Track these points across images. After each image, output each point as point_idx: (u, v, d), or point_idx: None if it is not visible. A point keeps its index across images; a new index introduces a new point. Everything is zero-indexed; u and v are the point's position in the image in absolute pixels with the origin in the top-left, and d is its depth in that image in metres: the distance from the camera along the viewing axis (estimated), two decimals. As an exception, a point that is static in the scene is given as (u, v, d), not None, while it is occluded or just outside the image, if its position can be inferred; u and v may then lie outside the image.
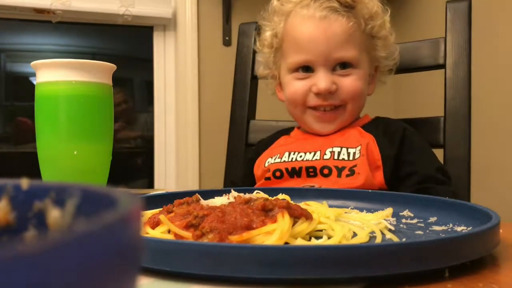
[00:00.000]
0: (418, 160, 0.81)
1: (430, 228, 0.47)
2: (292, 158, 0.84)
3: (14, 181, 0.20)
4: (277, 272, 0.31)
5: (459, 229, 0.45)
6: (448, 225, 0.47)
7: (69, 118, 0.57)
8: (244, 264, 0.31)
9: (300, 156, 0.84)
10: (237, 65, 1.14)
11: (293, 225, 0.42)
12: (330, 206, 0.54)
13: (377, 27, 0.88)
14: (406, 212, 0.53)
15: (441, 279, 0.33)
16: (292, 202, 0.46)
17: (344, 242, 0.40)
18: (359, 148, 0.80)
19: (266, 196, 0.50)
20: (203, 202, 0.47)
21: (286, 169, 0.83)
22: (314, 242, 0.41)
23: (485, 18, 1.74)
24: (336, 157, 0.81)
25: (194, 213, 0.41)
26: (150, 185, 2.36)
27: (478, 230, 0.37)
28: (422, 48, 0.98)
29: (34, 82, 0.60)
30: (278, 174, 0.84)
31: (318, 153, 0.83)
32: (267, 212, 0.41)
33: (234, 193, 0.49)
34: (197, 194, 0.50)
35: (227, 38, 2.27)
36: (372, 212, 0.52)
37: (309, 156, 0.83)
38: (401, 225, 0.49)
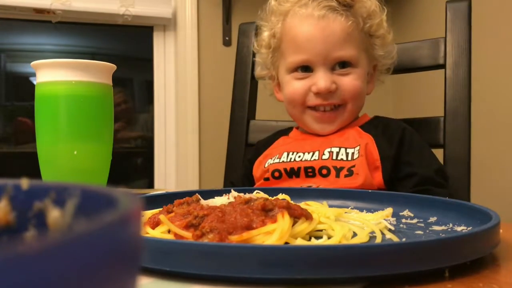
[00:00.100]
0: (416, 161, 0.81)
1: (430, 228, 0.47)
2: (291, 159, 0.84)
3: (14, 181, 0.20)
4: (277, 272, 0.31)
5: (459, 229, 0.45)
6: (448, 225, 0.47)
7: (69, 118, 0.57)
8: (244, 264, 0.31)
9: (299, 156, 0.84)
10: (237, 65, 1.14)
11: (293, 225, 0.42)
12: (330, 206, 0.54)
13: (375, 26, 0.88)
14: (406, 212, 0.53)
15: (441, 279, 0.33)
16: (292, 202, 0.46)
17: (344, 242, 0.40)
18: (357, 148, 0.80)
19: (266, 196, 0.50)
20: (203, 202, 0.47)
21: (285, 170, 0.83)
22: (314, 242, 0.41)
23: (485, 18, 1.74)
24: (334, 157, 0.80)
25: (194, 213, 0.41)
26: (150, 185, 2.36)
27: (478, 230, 0.37)
28: (422, 48, 0.98)
29: (34, 82, 0.60)
30: (277, 174, 0.84)
31: (316, 153, 0.83)
32: (267, 212, 0.41)
33: (234, 193, 0.49)
34: (197, 194, 0.50)
35: (227, 38, 2.27)
36: (372, 212, 0.52)
37: (307, 156, 0.83)
38: (401, 225, 0.49)
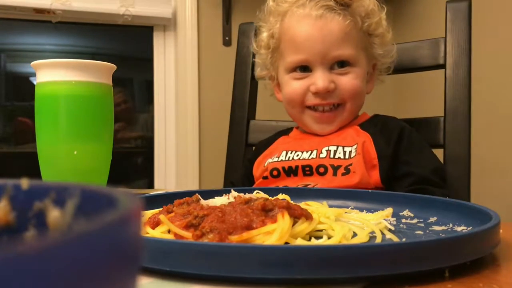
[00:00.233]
0: (414, 160, 0.81)
1: (430, 228, 0.47)
2: (289, 157, 0.84)
3: (14, 181, 0.20)
4: (277, 272, 0.31)
5: (459, 229, 0.45)
6: (448, 225, 0.47)
7: (69, 118, 0.57)
8: (244, 264, 0.31)
9: (297, 155, 0.84)
10: (237, 65, 1.14)
11: (293, 225, 0.42)
12: (330, 206, 0.54)
13: (373, 25, 0.88)
14: (406, 212, 0.53)
15: (441, 279, 0.33)
16: (292, 202, 0.46)
17: (344, 242, 0.40)
18: (355, 146, 0.80)
19: (266, 196, 0.50)
20: (203, 202, 0.47)
21: (283, 168, 0.83)
22: (314, 242, 0.41)
23: (485, 18, 1.74)
24: (332, 155, 0.81)
25: (194, 213, 0.41)
26: (150, 185, 2.36)
27: (478, 230, 0.37)
28: (422, 48, 0.98)
29: (34, 82, 0.60)
30: (275, 173, 0.84)
31: (314, 152, 0.83)
32: (267, 212, 0.41)
33: (234, 193, 0.49)
34: (197, 194, 0.50)
35: (227, 38, 2.27)
36: (372, 212, 0.52)
37: (305, 155, 0.83)
38: (401, 225, 0.49)
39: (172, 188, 2.25)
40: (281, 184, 0.83)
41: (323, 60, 0.84)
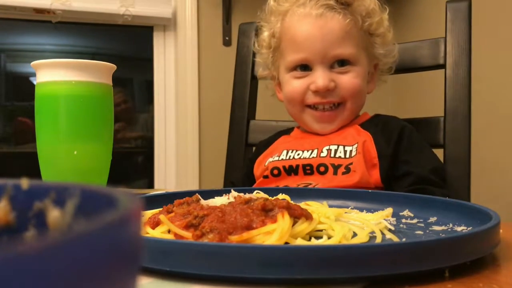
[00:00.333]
0: (414, 160, 0.81)
1: (430, 228, 0.47)
2: (290, 156, 0.85)
3: (14, 181, 0.20)
4: (277, 272, 0.31)
5: (459, 229, 0.45)
6: (448, 225, 0.47)
7: (69, 118, 0.57)
8: (244, 264, 0.31)
9: (298, 154, 0.84)
10: (237, 65, 1.14)
11: (293, 225, 0.42)
12: (330, 206, 0.54)
13: (374, 24, 0.88)
14: (406, 212, 0.53)
15: (441, 279, 0.33)
16: (292, 202, 0.46)
17: (344, 242, 0.40)
18: (355, 146, 0.81)
19: (266, 196, 0.50)
20: (203, 202, 0.47)
21: (284, 167, 0.83)
22: (314, 242, 0.41)
23: (485, 18, 1.74)
24: (332, 155, 0.81)
25: (194, 213, 0.41)
26: (150, 185, 2.36)
27: (478, 230, 0.37)
28: (422, 48, 0.98)
29: (34, 82, 0.60)
30: (276, 172, 0.84)
31: (315, 151, 0.83)
32: (267, 212, 0.41)
33: (234, 193, 0.49)
34: (197, 194, 0.50)
35: (227, 38, 2.27)
36: (372, 212, 0.52)
37: (306, 154, 0.83)
38: (401, 225, 0.49)
39: (172, 188, 2.25)
40: (281, 183, 0.83)
41: (323, 59, 0.84)
